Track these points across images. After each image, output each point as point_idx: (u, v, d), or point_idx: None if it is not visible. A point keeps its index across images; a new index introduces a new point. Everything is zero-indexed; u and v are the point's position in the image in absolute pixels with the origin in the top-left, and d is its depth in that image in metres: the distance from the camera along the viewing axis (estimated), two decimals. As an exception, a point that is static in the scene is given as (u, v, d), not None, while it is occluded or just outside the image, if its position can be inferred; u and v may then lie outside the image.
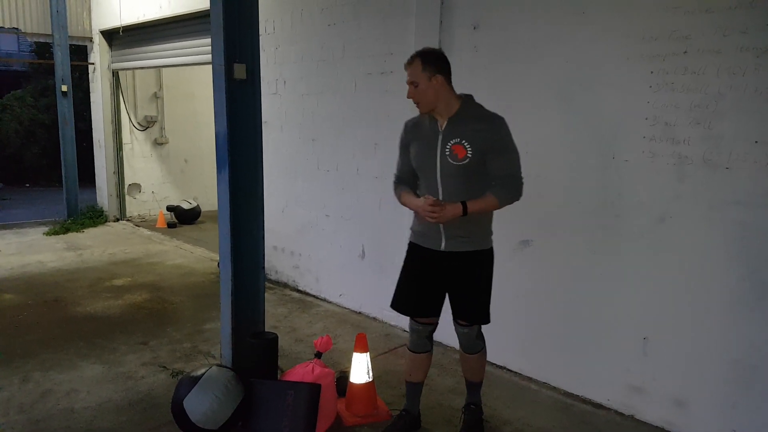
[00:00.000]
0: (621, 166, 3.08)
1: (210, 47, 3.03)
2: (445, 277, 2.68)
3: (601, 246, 3.19)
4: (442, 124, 2.60)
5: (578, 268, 3.29)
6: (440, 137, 2.58)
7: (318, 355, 2.94)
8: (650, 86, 2.95)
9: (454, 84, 2.68)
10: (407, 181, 2.79)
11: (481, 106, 2.67)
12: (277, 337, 3.06)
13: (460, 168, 2.53)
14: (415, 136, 2.71)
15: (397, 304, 2.78)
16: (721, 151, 2.77)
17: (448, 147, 2.55)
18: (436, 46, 3.80)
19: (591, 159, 3.19)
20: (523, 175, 2.63)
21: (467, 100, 2.65)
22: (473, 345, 2.81)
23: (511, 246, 3.55)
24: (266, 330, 3.23)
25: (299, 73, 4.93)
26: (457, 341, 2.87)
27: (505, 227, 3.53)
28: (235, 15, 2.89)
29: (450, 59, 3.70)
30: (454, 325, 2.80)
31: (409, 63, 2.58)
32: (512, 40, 3.48)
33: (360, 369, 2.99)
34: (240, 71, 2.87)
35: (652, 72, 2.94)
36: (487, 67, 3.61)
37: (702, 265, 2.85)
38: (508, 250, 3.55)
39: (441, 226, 2.59)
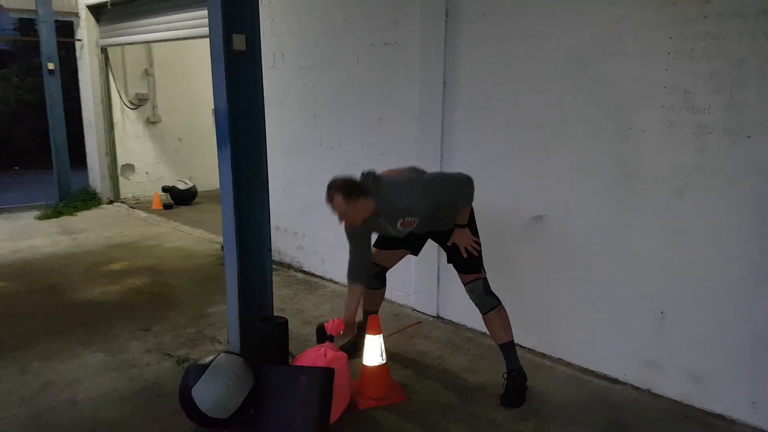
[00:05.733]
0: (638, 137, 2.97)
1: (204, 19, 2.87)
2: (432, 237, 3.11)
3: (617, 220, 3.10)
4: (379, 218, 2.80)
5: (593, 242, 3.20)
6: (387, 226, 2.84)
7: (330, 338, 2.85)
8: (668, 53, 2.84)
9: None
10: (361, 271, 3.02)
11: (389, 188, 2.73)
12: (287, 321, 2.95)
13: (417, 228, 2.89)
14: (361, 227, 2.84)
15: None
16: (742, 119, 2.67)
17: (399, 226, 2.82)
18: (443, 13, 3.64)
19: (607, 130, 3.08)
20: (458, 171, 2.93)
21: (377, 192, 2.71)
22: (486, 301, 2.96)
23: (522, 222, 3.45)
24: (273, 305, 3.13)
25: (298, 45, 4.74)
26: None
27: (517, 203, 3.45)
28: (232, -19, 2.72)
29: (457, 27, 3.61)
30: (465, 290, 2.99)
31: (330, 199, 2.67)
32: (523, 6, 3.32)
33: (373, 351, 2.90)
34: (239, 42, 2.71)
35: (670, 38, 2.83)
36: (497, 35, 3.45)
37: (721, 237, 2.77)
38: (519, 225, 3.46)
39: (416, 235, 3.03)
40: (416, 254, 3.27)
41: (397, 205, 2.74)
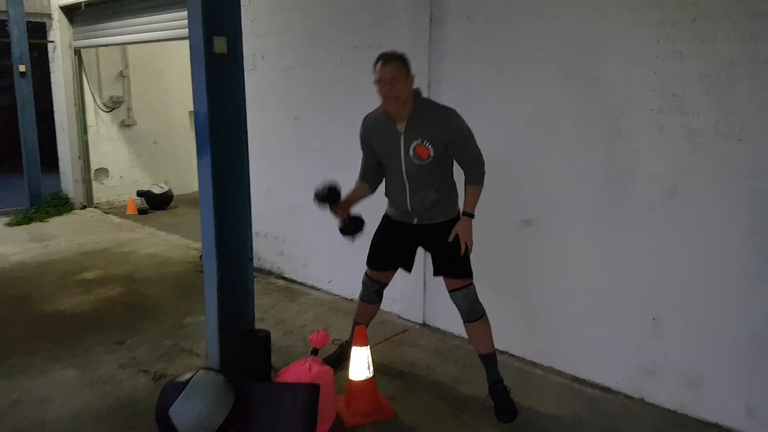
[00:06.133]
0: (628, 139, 2.93)
1: (183, 21, 2.74)
2: (422, 244, 2.96)
3: (608, 223, 3.05)
4: (402, 126, 2.71)
5: (583, 247, 3.14)
6: (402, 140, 2.71)
7: (314, 351, 2.73)
8: (657, 56, 2.81)
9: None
10: (369, 178, 2.99)
11: (431, 102, 2.79)
12: (269, 334, 2.82)
13: (424, 166, 2.71)
14: (376, 134, 2.83)
15: (369, 258, 3.11)
16: (733, 121, 2.64)
17: (411, 149, 2.70)
18: (427, 16, 3.57)
19: (596, 133, 3.03)
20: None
21: (419, 98, 2.75)
22: (474, 308, 2.86)
23: (512, 226, 3.38)
24: (254, 317, 3.00)
25: (279, 47, 4.62)
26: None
27: (506, 206, 3.37)
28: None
29: (442, 30, 3.53)
30: (452, 296, 2.87)
31: (389, 61, 2.63)
32: (509, 9, 3.26)
33: (360, 364, 2.79)
34: (221, 45, 2.59)
35: (658, 41, 2.79)
36: (483, 38, 3.39)
37: (715, 239, 2.73)
38: (509, 230, 3.39)
39: (410, 208, 2.82)
40: (410, 270, 3.09)
41: (425, 119, 2.68)
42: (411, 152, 2.69)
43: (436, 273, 2.92)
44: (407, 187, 2.79)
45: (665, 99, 2.80)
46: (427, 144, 2.67)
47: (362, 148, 2.97)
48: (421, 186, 2.77)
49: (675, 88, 2.77)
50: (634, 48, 2.84)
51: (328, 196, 2.79)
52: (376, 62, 2.65)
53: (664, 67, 2.78)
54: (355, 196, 2.98)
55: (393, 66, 2.60)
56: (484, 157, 2.83)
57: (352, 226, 2.88)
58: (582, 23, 3.00)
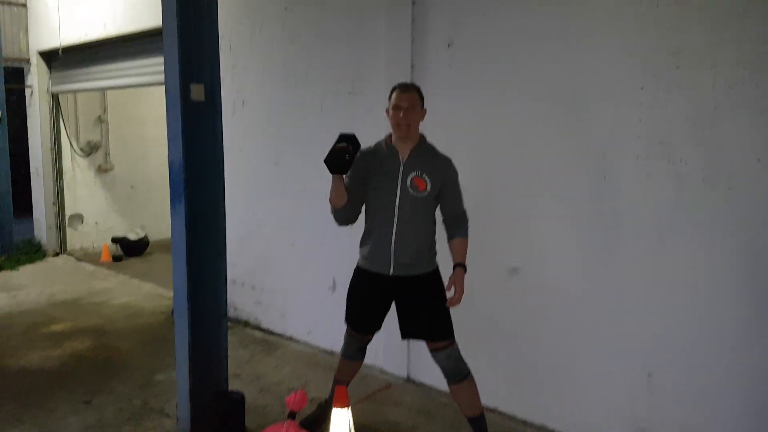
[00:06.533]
0: (614, 188, 2.89)
1: (162, 66, 2.66)
2: (397, 300, 2.79)
3: (596, 273, 2.97)
4: (404, 155, 2.70)
5: (573, 298, 3.05)
6: (401, 168, 2.69)
7: (291, 415, 2.55)
8: (641, 103, 2.79)
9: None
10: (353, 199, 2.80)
11: (434, 147, 2.81)
12: (243, 397, 2.66)
13: (418, 200, 2.67)
14: (372, 164, 2.76)
15: (349, 320, 2.96)
16: (721, 170, 2.61)
17: (409, 179, 2.67)
18: (408, 64, 3.56)
19: (582, 180, 3.00)
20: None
21: (423, 137, 2.80)
22: (459, 368, 2.74)
23: (497, 275, 3.29)
24: (227, 378, 2.81)
25: (259, 93, 4.57)
26: (439, 381, 2.82)
27: (491, 255, 3.28)
28: (191, 29, 2.54)
29: (424, 76, 3.51)
30: (434, 356, 2.75)
31: (407, 89, 2.70)
32: (491, 57, 3.26)
33: (340, 429, 2.61)
34: (198, 92, 2.51)
35: (642, 88, 2.78)
36: (464, 85, 3.38)
37: (708, 291, 2.66)
38: (494, 279, 3.29)
39: (391, 252, 2.69)
40: (378, 329, 2.98)
41: (427, 156, 2.73)
42: (408, 182, 2.67)
43: (414, 336, 2.78)
44: (395, 222, 2.67)
45: (651, 146, 2.79)
46: (426, 177, 2.67)
47: (349, 178, 2.73)
48: (409, 223, 2.68)
49: (661, 136, 2.75)
50: (619, 95, 2.83)
51: (353, 140, 2.66)
52: (392, 91, 2.70)
53: (648, 115, 2.77)
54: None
55: (410, 95, 2.66)
56: (468, 204, 2.81)
57: (348, 155, 2.58)
58: (566, 72, 3.00)
